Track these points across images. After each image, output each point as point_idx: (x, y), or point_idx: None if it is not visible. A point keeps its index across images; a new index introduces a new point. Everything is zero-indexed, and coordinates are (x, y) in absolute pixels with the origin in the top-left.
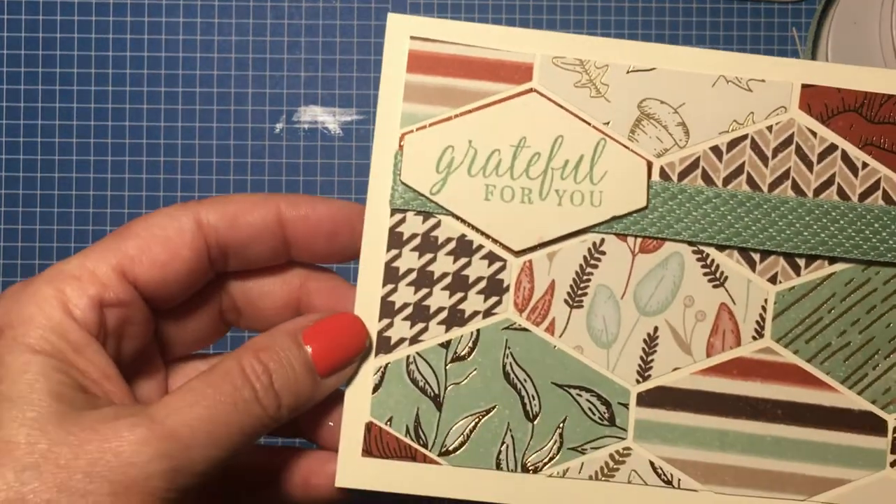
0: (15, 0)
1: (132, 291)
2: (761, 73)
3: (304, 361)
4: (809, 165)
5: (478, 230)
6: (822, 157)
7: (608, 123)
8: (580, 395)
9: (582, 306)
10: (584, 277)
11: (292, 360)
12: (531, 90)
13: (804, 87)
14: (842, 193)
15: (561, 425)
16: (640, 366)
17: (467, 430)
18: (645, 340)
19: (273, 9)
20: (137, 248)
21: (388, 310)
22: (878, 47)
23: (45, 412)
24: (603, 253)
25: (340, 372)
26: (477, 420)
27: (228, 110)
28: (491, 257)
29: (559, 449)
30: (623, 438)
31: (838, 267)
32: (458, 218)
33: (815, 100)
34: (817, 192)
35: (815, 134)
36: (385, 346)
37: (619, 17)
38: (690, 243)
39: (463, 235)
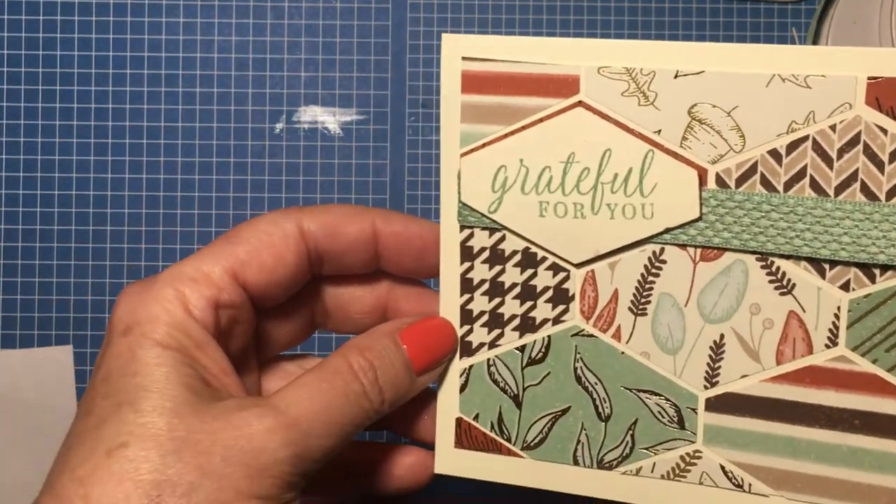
0: (15, 0)
1: (242, 293)
2: (821, 67)
3: (403, 360)
4: (880, 166)
5: (536, 245)
6: (893, 156)
7: (659, 132)
8: (649, 399)
9: (646, 314)
10: (647, 286)
11: (393, 359)
12: (579, 103)
13: (870, 79)
14: None
15: (632, 427)
16: (707, 372)
17: (545, 428)
18: (711, 347)
19: (273, 9)
20: (247, 253)
21: (467, 317)
22: (877, 47)
23: (181, 402)
24: (663, 262)
25: (433, 370)
26: (554, 419)
27: (228, 110)
28: (555, 268)
29: (631, 449)
30: (693, 442)
31: None
32: (517, 234)
33: (885, 93)
34: (890, 194)
35: (885, 131)
36: (468, 349)
37: (618, 17)
38: (754, 252)
39: (527, 248)
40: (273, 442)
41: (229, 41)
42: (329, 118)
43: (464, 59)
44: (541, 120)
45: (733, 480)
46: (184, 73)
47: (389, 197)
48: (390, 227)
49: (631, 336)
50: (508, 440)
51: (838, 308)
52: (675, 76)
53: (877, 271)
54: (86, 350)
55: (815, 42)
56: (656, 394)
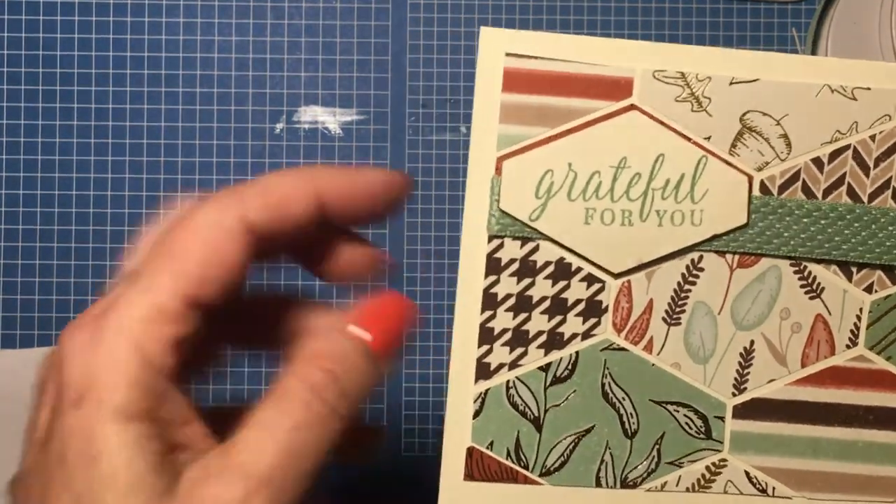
0: (15, 0)
1: (198, 316)
2: (867, 80)
3: (364, 353)
4: None
5: (577, 254)
6: None
7: (709, 138)
8: (677, 411)
9: (680, 323)
10: (683, 295)
11: (353, 358)
12: (631, 107)
13: None
14: None
15: (659, 441)
16: (736, 379)
17: (567, 450)
18: (741, 354)
19: (273, 9)
20: (197, 266)
21: (487, 336)
22: (877, 47)
23: (149, 494)
24: (701, 269)
25: (395, 352)
26: (577, 440)
27: (228, 110)
28: (590, 279)
29: (657, 464)
30: (719, 451)
31: None
32: (557, 243)
33: None
34: None
35: None
36: (485, 372)
37: (618, 18)
38: (789, 258)
39: (562, 259)
40: None
41: (229, 41)
42: (329, 118)
43: (507, 55)
44: (591, 122)
45: (757, 486)
46: (184, 73)
47: None
48: (336, 189)
49: (663, 347)
50: (526, 467)
51: (860, 309)
52: (731, 83)
53: None
54: None
55: (815, 42)
56: (685, 405)
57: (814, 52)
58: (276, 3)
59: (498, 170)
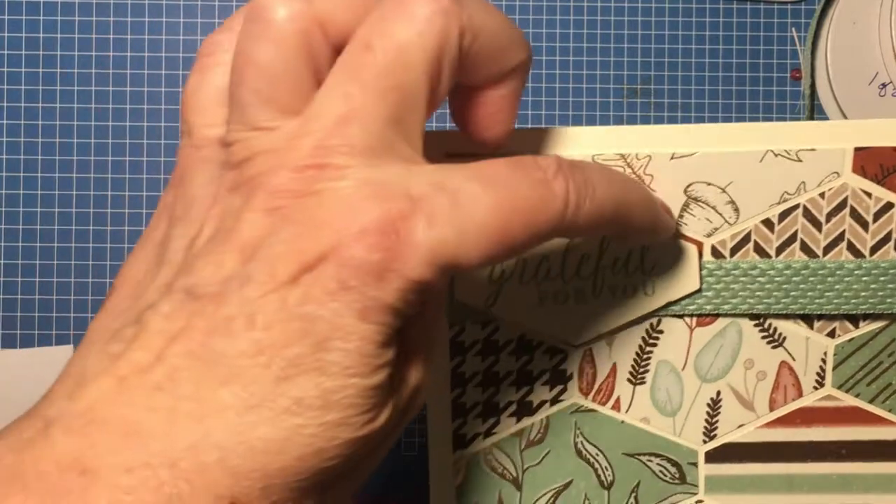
0: (15, 0)
1: None
2: (811, 142)
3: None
4: (865, 226)
5: (536, 332)
6: (877, 216)
7: None
8: (651, 461)
9: (645, 382)
10: (645, 356)
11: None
12: None
13: (857, 150)
14: None
15: (635, 489)
16: (706, 427)
17: (548, 503)
18: (709, 404)
19: None
20: None
21: (459, 410)
22: (877, 47)
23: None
24: (661, 332)
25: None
26: (556, 494)
27: None
28: (552, 351)
29: None
30: (695, 493)
31: None
32: (515, 323)
33: (870, 161)
34: (873, 249)
35: (869, 195)
36: (461, 442)
37: (618, 18)
38: (748, 315)
39: (522, 335)
40: None
41: None
42: None
43: (448, 155)
44: None
45: None
46: (184, 74)
47: None
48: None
49: (630, 405)
50: None
51: (825, 353)
52: (671, 158)
53: (860, 319)
54: None
55: (814, 42)
56: (658, 455)
57: (813, 52)
58: None
59: None
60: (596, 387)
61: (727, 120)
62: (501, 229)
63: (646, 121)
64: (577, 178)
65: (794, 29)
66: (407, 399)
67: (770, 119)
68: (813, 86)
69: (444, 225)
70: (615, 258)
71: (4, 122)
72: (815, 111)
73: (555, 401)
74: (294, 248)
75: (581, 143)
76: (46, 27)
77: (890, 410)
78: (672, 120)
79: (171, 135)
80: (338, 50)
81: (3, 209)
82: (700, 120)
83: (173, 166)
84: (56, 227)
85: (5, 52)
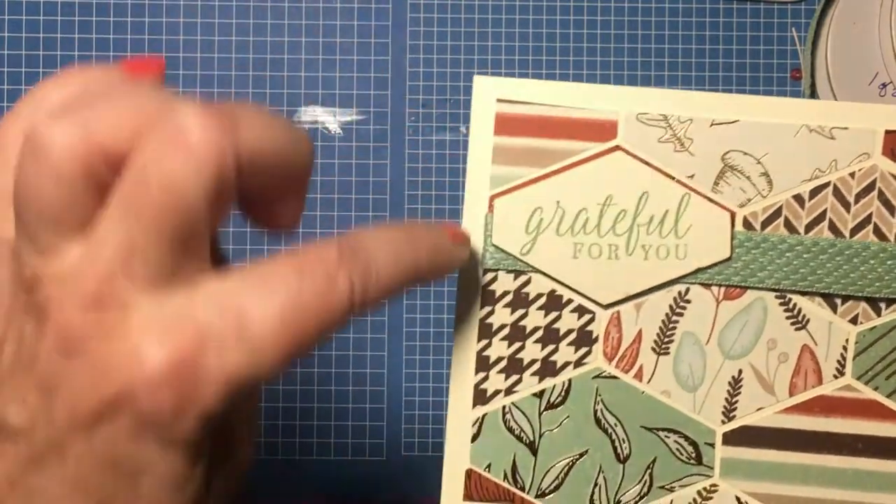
0: (15, 0)
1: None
2: (844, 120)
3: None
4: (891, 210)
5: (567, 286)
6: None
7: (692, 177)
8: (668, 437)
9: (668, 353)
10: (671, 326)
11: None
12: (616, 148)
13: (888, 132)
14: None
15: (651, 466)
16: (725, 407)
17: (562, 473)
18: (730, 383)
19: (273, 9)
20: None
21: (483, 364)
22: (877, 47)
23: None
24: (688, 301)
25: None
26: (571, 463)
27: None
28: (580, 310)
29: (649, 488)
30: (710, 476)
31: None
32: (547, 275)
33: None
34: None
35: None
36: (482, 398)
37: (618, 18)
38: (773, 290)
39: (553, 291)
40: None
41: (229, 41)
42: (329, 118)
43: (498, 100)
44: (578, 163)
45: None
46: (184, 73)
47: (389, 197)
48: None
49: (653, 376)
50: (522, 489)
51: (847, 340)
52: (711, 124)
53: (882, 305)
54: None
55: (814, 42)
56: (675, 431)
57: (813, 52)
58: (276, 3)
59: (490, 208)
60: (620, 352)
61: None
62: (292, 336)
63: None
64: (360, 265)
65: (794, 29)
66: (232, 476)
67: None
68: (813, 86)
69: (234, 350)
70: (651, 216)
71: None
72: None
73: (578, 363)
74: (90, 394)
75: (626, 99)
76: (46, 27)
77: None
78: None
79: None
80: (119, 164)
81: None
82: None
83: None
84: None
85: (5, 52)
